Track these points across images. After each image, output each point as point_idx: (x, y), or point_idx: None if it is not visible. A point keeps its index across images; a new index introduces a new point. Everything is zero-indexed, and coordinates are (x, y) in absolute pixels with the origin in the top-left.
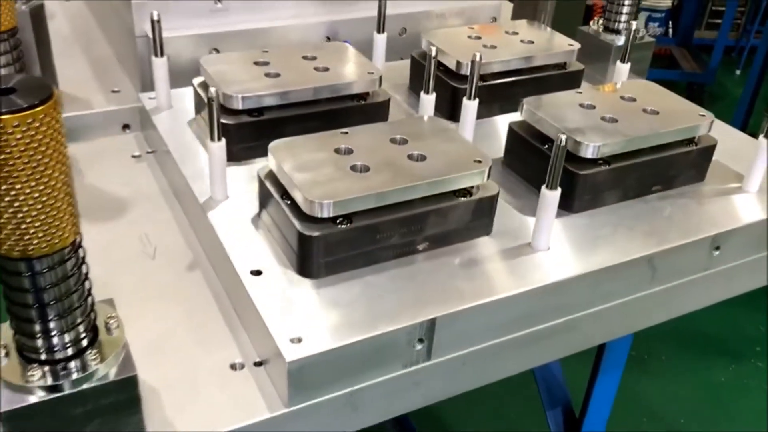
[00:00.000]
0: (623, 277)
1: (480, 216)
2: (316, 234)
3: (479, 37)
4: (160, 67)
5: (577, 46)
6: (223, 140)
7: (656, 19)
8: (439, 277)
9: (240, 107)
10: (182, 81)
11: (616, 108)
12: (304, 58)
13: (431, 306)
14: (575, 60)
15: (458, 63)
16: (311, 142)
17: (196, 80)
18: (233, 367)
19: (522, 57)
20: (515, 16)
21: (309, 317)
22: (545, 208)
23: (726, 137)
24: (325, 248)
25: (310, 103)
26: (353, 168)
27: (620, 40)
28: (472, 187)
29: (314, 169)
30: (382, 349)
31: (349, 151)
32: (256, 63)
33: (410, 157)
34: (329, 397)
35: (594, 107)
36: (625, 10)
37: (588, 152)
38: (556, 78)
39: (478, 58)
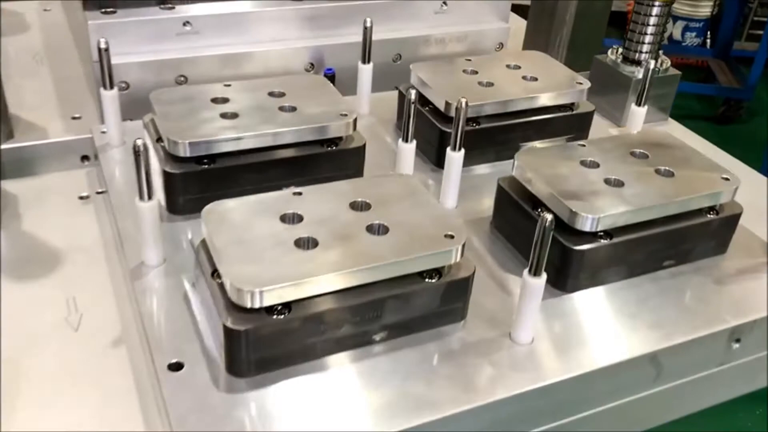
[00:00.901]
0: (621, 378)
1: (451, 300)
2: (244, 328)
3: (476, 72)
4: (109, 100)
5: (586, 84)
6: (155, 200)
7: (694, 29)
8: (395, 379)
9: (187, 154)
10: (145, 111)
11: (625, 167)
12: (270, 94)
13: (382, 420)
14: (585, 99)
15: (447, 104)
16: (254, 206)
17: (148, 117)
18: None
19: (522, 97)
20: (528, 39)
21: None
22: (528, 298)
23: (755, 191)
24: (255, 344)
25: (271, 149)
26: (298, 243)
27: (641, 73)
28: (443, 267)
29: (251, 242)
30: None
31: (298, 219)
32: (213, 100)
33: (370, 228)
34: None
35: (598, 165)
36: (648, 39)
37: (585, 225)
38: (561, 121)
39: (463, 104)
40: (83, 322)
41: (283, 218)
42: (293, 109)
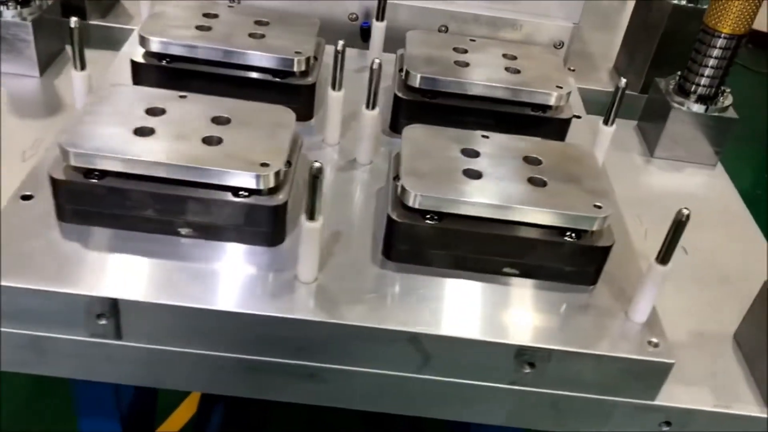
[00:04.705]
0: (378, 348)
1: (257, 224)
2: (60, 177)
3: (466, 51)
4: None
5: (567, 90)
6: (86, 72)
7: None
8: (166, 264)
9: (150, 49)
10: None
11: (502, 166)
12: (256, 22)
13: (123, 286)
14: (566, 105)
15: (407, 73)
16: (146, 97)
17: None
18: None
19: (479, 82)
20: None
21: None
22: (304, 240)
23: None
24: (68, 197)
25: (223, 65)
26: (137, 131)
27: (692, 107)
28: (260, 189)
29: (103, 122)
30: (59, 308)
31: (161, 112)
32: (205, 15)
33: (205, 139)
34: (10, 331)
35: (477, 155)
36: (707, 72)
37: (407, 200)
38: (527, 120)
39: (376, 65)
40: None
41: (148, 111)
42: (262, 36)
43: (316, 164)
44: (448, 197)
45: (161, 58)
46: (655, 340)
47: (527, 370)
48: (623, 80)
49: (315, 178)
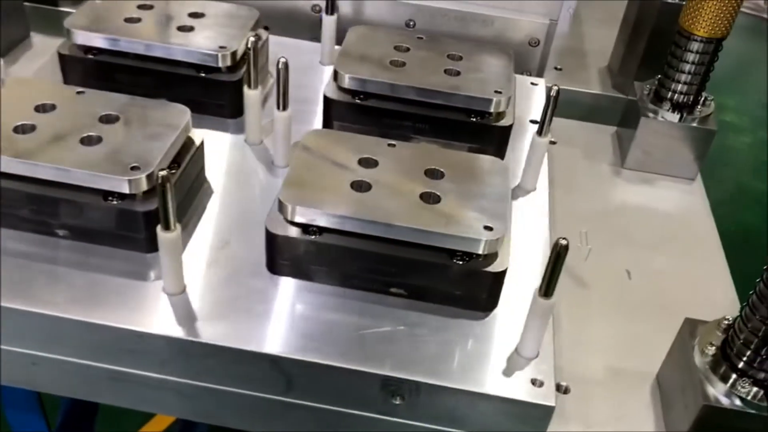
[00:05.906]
0: (238, 368)
1: (130, 229)
2: None
3: (408, 49)
4: None
5: (507, 95)
6: (1, 60)
7: None
8: (34, 266)
9: (76, 42)
10: None
11: (392, 177)
12: (191, 15)
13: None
14: (505, 111)
15: (336, 72)
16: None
17: None
18: None
19: (410, 85)
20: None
21: None
22: (163, 251)
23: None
24: None
25: (149, 60)
26: (15, 128)
27: (667, 115)
28: (133, 194)
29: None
30: None
31: (51, 108)
32: (140, 6)
33: (84, 139)
34: None
35: (376, 165)
36: (683, 78)
37: (286, 213)
38: (463, 126)
39: (281, 64)
40: None
41: (37, 107)
42: (191, 29)
43: (161, 172)
44: (323, 211)
45: (87, 50)
46: (540, 378)
47: (397, 401)
48: (555, 87)
49: (162, 186)
